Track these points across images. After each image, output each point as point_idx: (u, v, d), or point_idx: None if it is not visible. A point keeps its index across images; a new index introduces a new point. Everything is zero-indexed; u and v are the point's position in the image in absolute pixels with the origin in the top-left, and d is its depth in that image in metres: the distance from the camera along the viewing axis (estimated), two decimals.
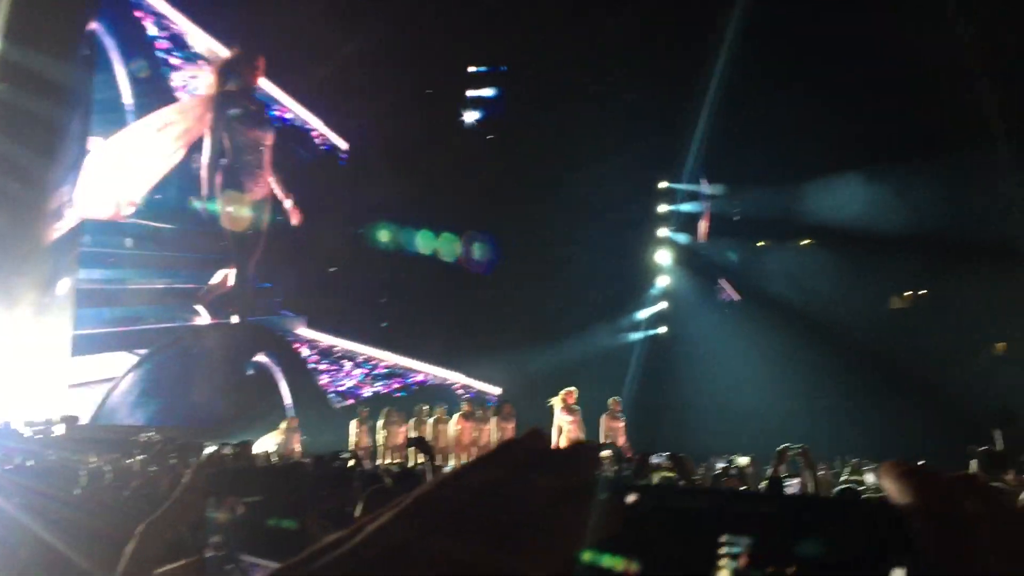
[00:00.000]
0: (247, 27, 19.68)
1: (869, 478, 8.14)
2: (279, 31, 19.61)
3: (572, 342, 21.57)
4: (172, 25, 19.67)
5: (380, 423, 16.66)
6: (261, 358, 19.78)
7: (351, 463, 7.86)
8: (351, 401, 21.00)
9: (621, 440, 15.44)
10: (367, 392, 21.57)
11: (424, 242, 22.96)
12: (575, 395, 15.71)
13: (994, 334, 23.15)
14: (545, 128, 21.42)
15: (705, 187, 23.70)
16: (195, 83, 19.90)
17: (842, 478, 7.69)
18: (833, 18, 19.78)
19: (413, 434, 16.52)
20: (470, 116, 23.58)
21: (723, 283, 24.23)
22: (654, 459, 8.31)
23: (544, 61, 20.89)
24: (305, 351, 21.13)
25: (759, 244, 25.80)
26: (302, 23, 18.83)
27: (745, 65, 20.09)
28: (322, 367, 21.35)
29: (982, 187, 20.37)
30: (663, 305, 23.94)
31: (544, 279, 22.58)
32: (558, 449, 0.64)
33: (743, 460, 7.64)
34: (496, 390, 22.22)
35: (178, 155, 19.24)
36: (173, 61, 19.79)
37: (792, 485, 4.48)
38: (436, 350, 22.36)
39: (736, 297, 24.24)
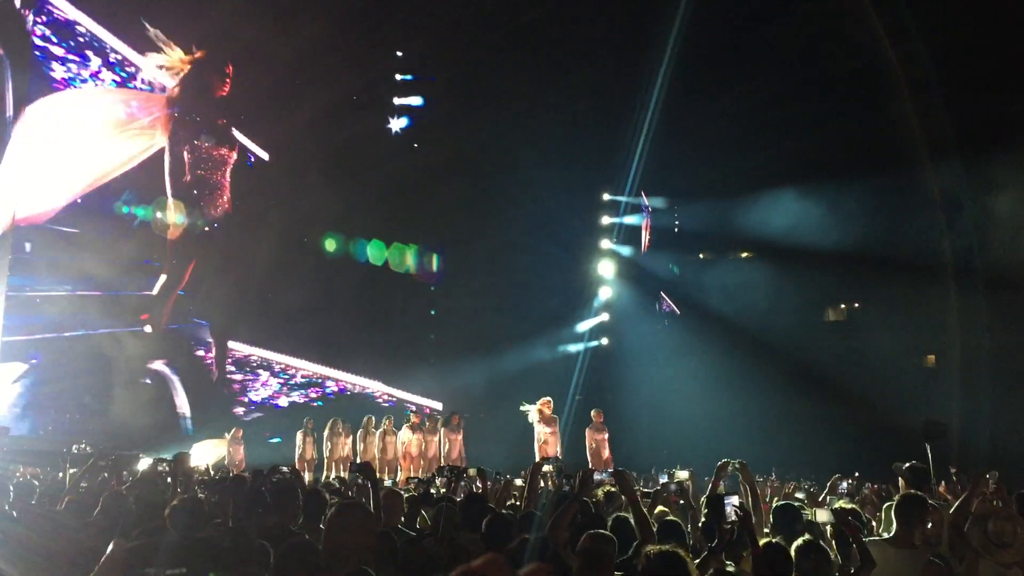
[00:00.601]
0: (171, 31, 18.85)
1: (799, 494, 8.28)
2: (202, 35, 19.01)
3: (514, 353, 21.59)
4: (56, 11, 17.85)
5: (326, 434, 16.38)
6: (160, 367, 19.04)
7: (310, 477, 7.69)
8: (258, 414, 20.48)
9: (605, 453, 15.15)
10: (282, 402, 21.13)
11: (364, 252, 22.75)
12: (551, 405, 15.40)
13: (924, 346, 23.78)
14: (489, 141, 21.44)
15: (647, 200, 23.97)
16: (155, 75, 18.93)
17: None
18: (770, 39, 20.20)
19: (360, 446, 16.30)
20: (410, 128, 23.43)
21: (664, 295, 24.50)
22: (597, 475, 8.33)
23: (488, 74, 20.92)
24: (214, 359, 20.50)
25: (699, 257, 26.18)
26: (227, 26, 18.39)
27: (686, 82, 20.40)
28: (237, 376, 20.76)
29: (913, 203, 20.94)
30: (605, 317, 24.10)
31: (486, 290, 22.60)
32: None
33: (683, 474, 7.67)
34: (434, 404, 22.12)
35: (133, 161, 18.40)
36: (55, 51, 17.89)
37: (731, 500, 4.51)
38: (371, 361, 22.15)
39: (676, 309, 24.52)
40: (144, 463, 9.27)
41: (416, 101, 23.02)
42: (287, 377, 21.53)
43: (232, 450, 16.38)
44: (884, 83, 20.66)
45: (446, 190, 22.29)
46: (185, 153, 19.24)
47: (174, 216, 19.15)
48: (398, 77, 22.98)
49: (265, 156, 21.05)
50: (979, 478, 6.17)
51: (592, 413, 15.74)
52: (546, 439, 14.92)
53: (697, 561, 4.18)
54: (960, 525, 4.77)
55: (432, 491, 8.38)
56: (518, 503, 7.49)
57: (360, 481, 8.14)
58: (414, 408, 18.53)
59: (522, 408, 15.45)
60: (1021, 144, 18.56)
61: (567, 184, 21.50)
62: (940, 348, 23.43)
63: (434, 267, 23.81)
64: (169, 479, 7.38)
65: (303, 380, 21.69)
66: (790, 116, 20.67)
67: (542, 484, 7.35)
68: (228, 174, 19.98)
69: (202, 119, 19.60)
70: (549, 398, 15.38)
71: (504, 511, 6.01)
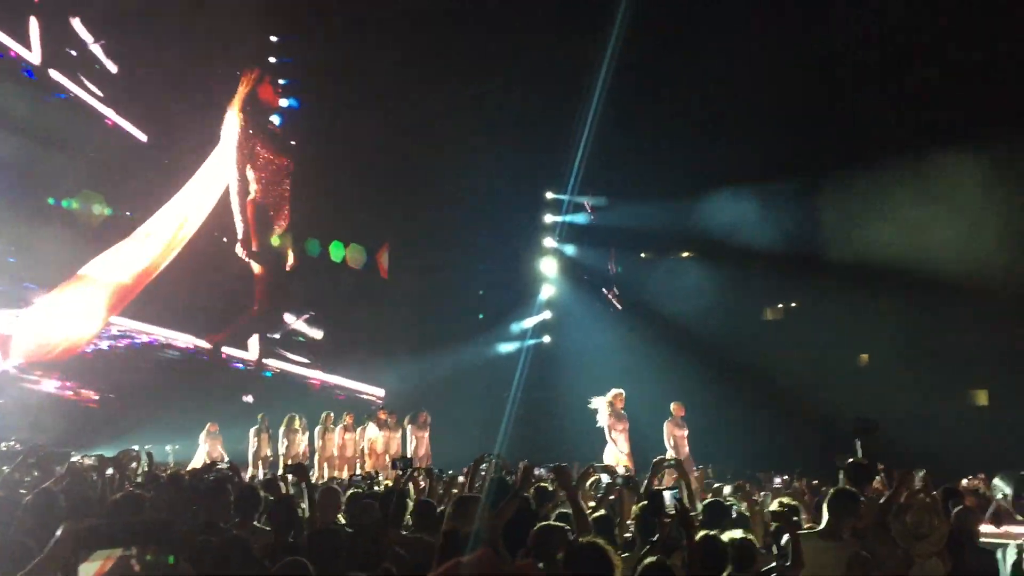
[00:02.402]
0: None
1: (726, 490, 8.48)
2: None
3: (458, 351, 21.61)
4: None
5: (281, 431, 16.06)
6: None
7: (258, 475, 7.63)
8: None
9: (685, 450, 13.70)
10: None
11: (310, 248, 22.51)
12: (623, 398, 14.20)
13: (858, 345, 24.38)
14: (433, 137, 21.41)
15: (590, 199, 24.14)
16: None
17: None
18: (715, 39, 20.47)
19: (318, 443, 16.09)
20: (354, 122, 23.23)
21: (606, 294, 24.72)
22: (538, 471, 8.41)
23: (432, 70, 20.85)
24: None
25: (641, 256, 26.45)
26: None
27: (632, 81, 20.58)
28: None
29: (847, 205, 21.43)
30: (547, 315, 24.24)
31: (430, 287, 22.57)
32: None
33: (621, 469, 7.79)
34: (376, 390, 21.93)
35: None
36: None
37: (669, 496, 4.60)
38: (324, 356, 21.98)
39: (618, 308, 24.76)
40: (80, 460, 9.14)
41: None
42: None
43: (210, 445, 15.97)
44: (824, 85, 21.13)
45: (391, 187, 22.20)
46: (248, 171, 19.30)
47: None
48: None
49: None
50: (907, 474, 6.36)
51: (672, 407, 14.39)
52: (615, 439, 13.69)
53: (626, 555, 4.26)
54: (885, 519, 4.92)
55: (378, 486, 8.37)
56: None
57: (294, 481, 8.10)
58: (381, 404, 18.20)
59: (591, 405, 14.27)
60: (951, 147, 19.18)
61: (511, 182, 21.60)
62: (872, 347, 24.06)
63: (379, 263, 23.66)
64: (95, 475, 7.30)
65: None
66: (731, 117, 21.05)
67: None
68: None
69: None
70: (621, 390, 14.23)
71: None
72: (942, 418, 19.90)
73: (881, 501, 5.31)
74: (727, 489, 9.21)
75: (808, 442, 17.12)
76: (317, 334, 21.72)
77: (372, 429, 16.39)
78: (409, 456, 14.95)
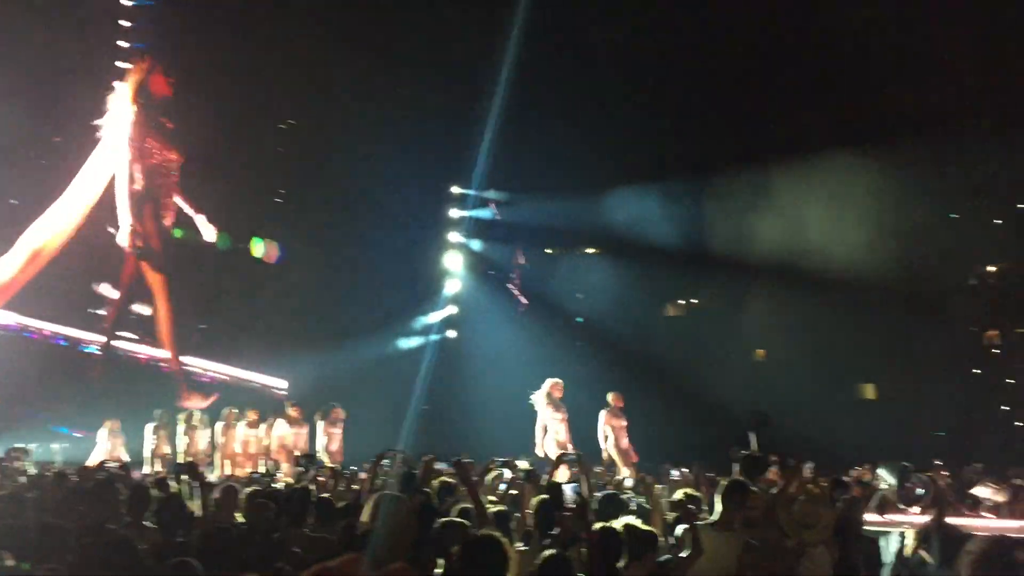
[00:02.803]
0: None
1: (628, 482, 8.65)
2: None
3: (361, 345, 21.38)
4: None
5: (180, 429, 15.49)
6: None
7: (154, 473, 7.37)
8: None
9: (624, 442, 13.49)
10: None
11: (213, 241, 21.87)
12: (561, 388, 13.90)
13: (755, 341, 25.12)
14: (336, 129, 21.09)
15: (496, 193, 24.16)
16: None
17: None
18: (620, 37, 20.77)
19: (220, 440, 15.60)
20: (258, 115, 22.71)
21: (512, 289, 24.80)
22: (440, 465, 8.40)
23: (333, 60, 20.53)
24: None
25: (547, 252, 26.65)
26: None
27: (536, 76, 20.67)
28: None
29: (746, 205, 22.03)
30: (453, 310, 24.18)
31: (333, 281, 22.25)
32: None
33: (523, 464, 7.83)
34: (281, 383, 21.48)
35: None
36: None
37: (569, 489, 4.64)
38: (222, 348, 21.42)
39: (524, 303, 24.88)
40: None
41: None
42: None
43: (112, 443, 15.28)
44: (718, 84, 21.65)
45: (302, 181, 21.83)
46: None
47: None
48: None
49: None
50: (798, 466, 6.58)
51: (610, 396, 14.02)
52: (556, 429, 13.42)
53: (525, 548, 4.29)
54: (775, 509, 5.07)
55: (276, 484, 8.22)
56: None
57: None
58: (293, 401, 17.52)
59: (531, 400, 13.97)
60: (839, 147, 19.97)
61: (416, 176, 21.41)
62: (769, 343, 24.83)
63: (280, 256, 23.16)
64: None
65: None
66: (632, 115, 21.36)
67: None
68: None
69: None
70: (559, 380, 13.96)
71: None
72: (833, 411, 20.68)
73: (772, 492, 5.48)
74: (629, 482, 9.36)
75: (706, 435, 17.52)
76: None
77: (282, 426, 15.97)
78: (316, 453, 14.69)
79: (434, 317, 23.79)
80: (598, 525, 4.45)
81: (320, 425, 16.02)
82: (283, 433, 15.84)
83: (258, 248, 22.14)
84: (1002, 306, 24.61)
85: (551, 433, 13.35)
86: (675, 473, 13.10)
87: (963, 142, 21.39)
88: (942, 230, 22.14)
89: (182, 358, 20.23)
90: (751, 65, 21.45)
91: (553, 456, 11.54)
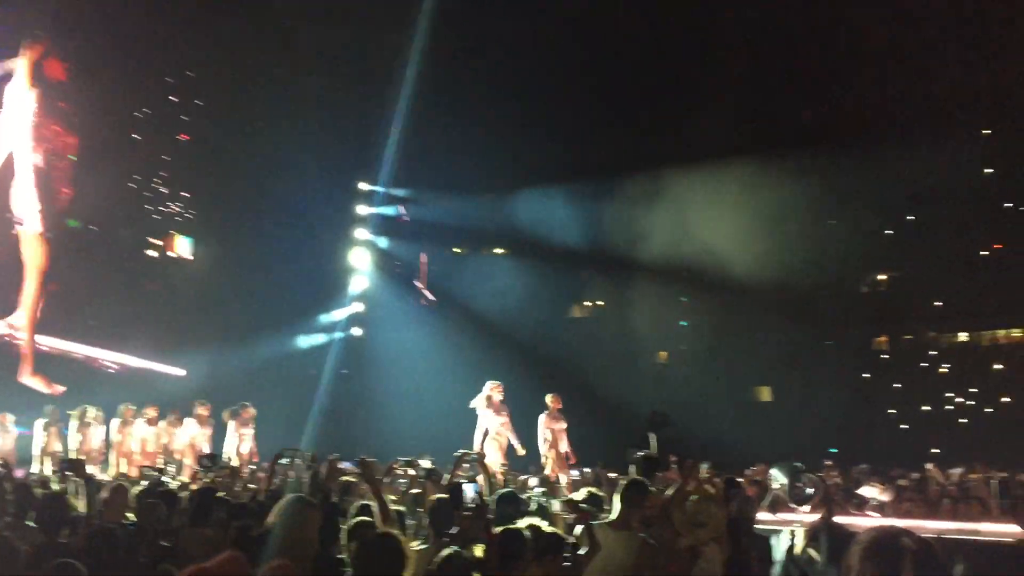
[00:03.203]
0: None
1: (532, 481, 8.72)
2: None
3: (264, 341, 20.93)
4: None
5: (74, 425, 14.76)
6: None
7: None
8: None
9: (564, 446, 12.94)
10: None
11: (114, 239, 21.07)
12: (502, 389, 13.30)
13: (657, 344, 25.63)
14: (240, 122, 20.62)
15: (404, 191, 23.97)
16: None
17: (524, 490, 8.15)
18: (528, 40, 20.88)
19: (116, 438, 14.94)
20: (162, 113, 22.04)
21: (419, 287, 24.66)
22: (343, 464, 8.30)
23: (240, 57, 20.09)
24: None
25: (454, 251, 26.62)
26: None
27: (447, 75, 20.66)
28: None
29: (653, 211, 22.44)
30: (359, 307, 23.87)
31: (235, 275, 21.70)
32: None
33: (426, 463, 7.81)
34: (179, 371, 20.79)
35: None
36: None
37: (469, 488, 4.64)
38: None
39: (431, 301, 24.77)
40: None
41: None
42: None
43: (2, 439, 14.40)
44: (632, 90, 22.03)
45: (207, 177, 21.24)
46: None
47: None
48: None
49: None
50: (694, 466, 6.71)
51: (548, 399, 13.43)
52: (498, 432, 12.85)
53: (424, 547, 4.27)
54: (670, 508, 5.18)
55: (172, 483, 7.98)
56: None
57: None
58: (202, 400, 16.70)
59: (472, 404, 13.29)
60: (741, 157, 20.57)
61: (322, 172, 21.05)
62: (671, 346, 25.38)
63: (184, 252, 22.48)
64: None
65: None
66: (542, 117, 21.52)
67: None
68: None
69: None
70: (499, 382, 13.35)
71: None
72: (730, 413, 21.25)
73: (669, 492, 5.58)
74: (533, 481, 9.42)
75: (609, 436, 17.77)
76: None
77: (192, 426, 15.38)
78: (220, 454, 14.16)
79: (339, 314, 23.43)
80: (500, 528, 4.47)
81: (231, 425, 15.46)
82: (195, 433, 15.26)
83: (158, 240, 21.52)
84: (890, 313, 25.78)
85: (492, 436, 12.87)
86: (575, 473, 13.20)
87: (858, 154, 22.30)
88: (836, 239, 23.03)
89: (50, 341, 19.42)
90: (657, 72, 21.91)
91: (494, 460, 11.46)
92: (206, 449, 14.77)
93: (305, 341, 22.84)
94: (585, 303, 27.68)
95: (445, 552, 4.14)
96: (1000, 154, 25.06)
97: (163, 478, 9.64)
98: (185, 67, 20.58)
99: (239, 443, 15.18)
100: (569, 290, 25.83)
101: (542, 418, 13.00)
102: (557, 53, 20.82)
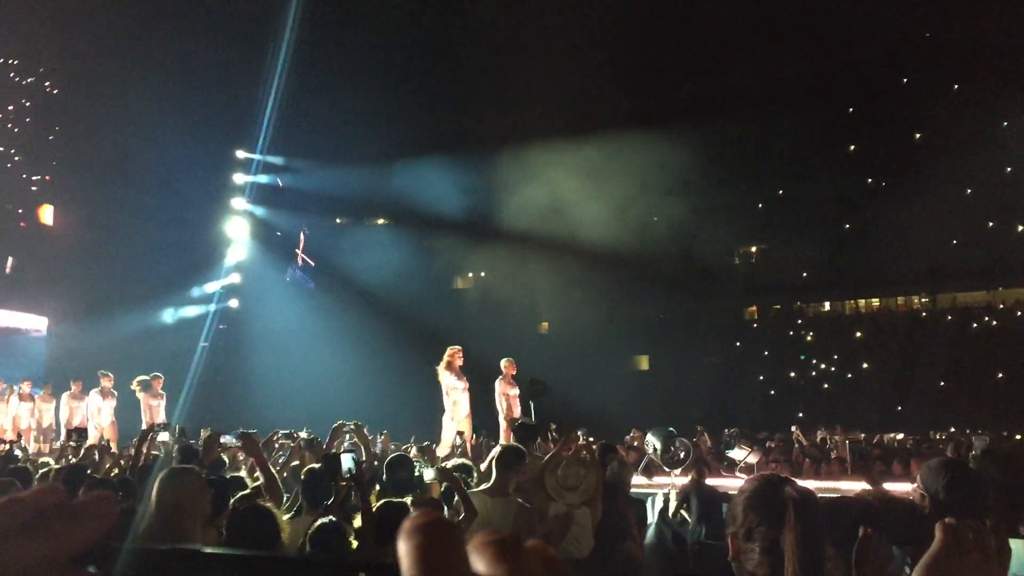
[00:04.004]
0: None
1: (412, 451, 8.73)
2: None
3: (136, 314, 20.11)
4: None
5: None
6: None
7: None
8: None
9: (517, 412, 12.14)
10: None
11: None
12: (460, 355, 12.35)
13: (540, 315, 25.94)
14: (106, 90, 19.60)
15: (284, 160, 23.31)
16: None
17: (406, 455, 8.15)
18: (413, 12, 20.64)
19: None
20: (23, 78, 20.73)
21: (299, 258, 24.14)
22: (225, 438, 8.09)
23: (105, 18, 19.09)
24: None
25: (336, 221, 26.18)
26: None
27: (330, 44, 20.18)
28: None
29: (533, 182, 22.61)
30: (235, 278, 23.14)
31: (103, 247, 20.73)
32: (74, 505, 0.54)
33: (304, 434, 7.69)
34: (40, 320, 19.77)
35: None
36: None
37: (346, 458, 4.59)
38: None
39: (310, 273, 24.31)
40: None
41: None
42: None
43: None
44: (507, 65, 22.02)
45: (70, 142, 20.14)
46: None
47: None
48: None
49: None
50: (571, 432, 6.83)
51: (503, 363, 12.59)
52: (457, 399, 12.01)
53: (290, 517, 4.22)
54: (544, 473, 5.26)
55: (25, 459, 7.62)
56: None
57: None
58: (105, 372, 15.60)
59: (438, 373, 12.26)
60: (621, 133, 20.94)
61: (195, 140, 20.17)
62: (553, 316, 25.71)
63: (47, 220, 21.29)
64: None
65: None
66: (425, 88, 21.34)
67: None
68: None
69: None
70: (458, 347, 12.33)
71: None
72: (610, 381, 21.72)
73: (546, 458, 5.67)
74: (412, 451, 9.40)
75: (490, 404, 17.90)
76: None
77: (95, 398, 14.46)
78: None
79: (214, 286, 22.64)
80: (383, 501, 4.45)
81: (141, 398, 14.60)
82: (99, 406, 14.41)
83: (19, 208, 20.38)
84: (760, 284, 26.85)
85: (449, 403, 12.13)
86: (459, 440, 13.25)
87: (731, 130, 23.02)
88: (710, 212, 23.77)
89: None
90: (537, 45, 21.96)
91: (451, 428, 10.88)
92: (106, 421, 14.09)
93: (178, 313, 22.05)
94: (468, 274, 27.71)
95: (320, 521, 4.09)
96: (863, 132, 26.34)
97: (15, 452, 9.16)
98: (49, 28, 19.45)
99: (150, 418, 14.29)
100: (451, 262, 25.82)
101: (498, 384, 12.32)
102: (437, 24, 20.65)
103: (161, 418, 14.01)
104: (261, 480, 5.09)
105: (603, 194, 21.56)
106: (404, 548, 0.45)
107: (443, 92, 21.39)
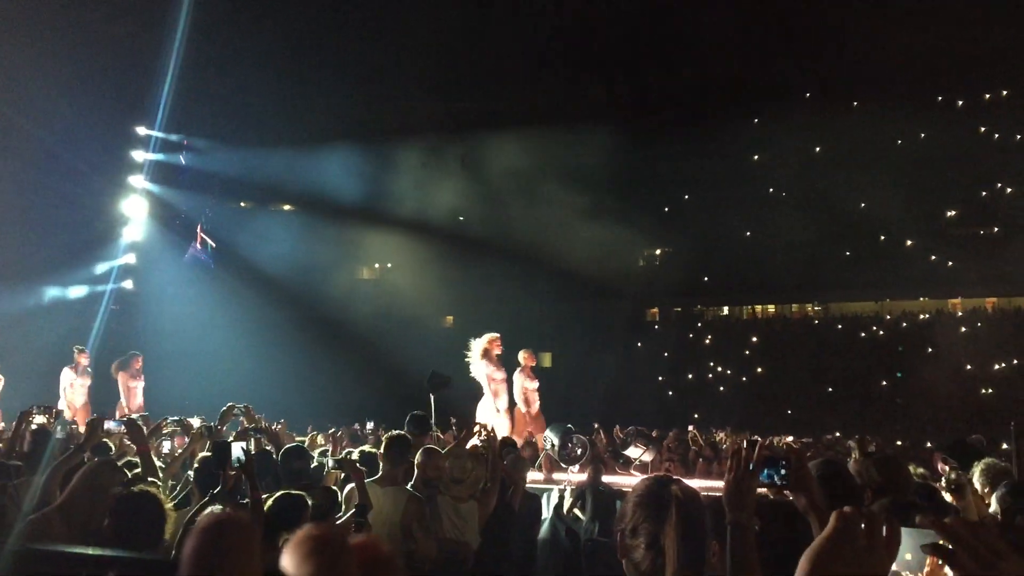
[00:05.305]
0: None
1: (320, 439, 8.65)
2: None
3: (20, 293, 19.21)
4: None
5: None
6: None
7: None
8: None
9: (535, 408, 11.57)
10: None
11: None
12: (499, 343, 11.46)
13: (445, 308, 25.87)
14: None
15: (188, 139, 22.57)
16: None
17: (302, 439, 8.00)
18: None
19: None
20: None
21: (198, 240, 23.48)
22: (109, 424, 7.81)
23: None
24: None
25: (240, 205, 25.57)
26: None
27: (236, 19, 19.68)
28: None
29: (444, 175, 22.59)
30: (130, 258, 22.27)
31: None
32: None
33: (195, 421, 7.49)
34: None
35: None
36: None
37: (236, 447, 4.48)
38: None
39: (211, 255, 23.70)
40: None
41: None
42: None
43: None
44: (424, 54, 21.92)
45: None
46: None
47: None
48: None
49: None
50: (471, 425, 6.85)
51: (521, 355, 11.72)
52: (496, 390, 11.10)
53: (175, 504, 4.12)
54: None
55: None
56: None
57: None
58: (80, 347, 14.42)
59: (468, 357, 11.43)
60: (539, 131, 21.07)
61: (89, 114, 19.27)
62: (457, 310, 25.68)
63: None
64: None
65: None
66: (335, 76, 21.02)
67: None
68: None
69: None
70: (496, 334, 11.52)
71: None
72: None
73: (446, 450, 5.67)
74: (320, 439, 9.26)
75: (392, 396, 17.79)
76: None
77: (67, 375, 13.42)
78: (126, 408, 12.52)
79: (106, 266, 21.73)
80: (282, 492, 4.38)
81: (120, 377, 13.64)
82: (71, 381, 13.40)
83: None
84: (662, 286, 27.44)
85: (490, 392, 11.32)
86: (369, 425, 13.17)
87: (640, 133, 23.41)
88: (617, 214, 24.13)
89: None
90: (455, 35, 21.91)
91: (488, 421, 10.00)
92: (79, 401, 13.21)
93: (67, 293, 21.14)
94: (374, 265, 27.46)
95: (207, 510, 4.00)
96: (767, 142, 27.17)
97: None
98: None
99: (129, 397, 13.43)
100: (357, 252, 25.55)
101: (517, 376, 11.51)
102: (349, 4, 20.36)
103: (139, 400, 13.16)
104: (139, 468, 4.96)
105: (511, 191, 21.67)
106: (187, 548, 0.43)
107: (353, 78, 21.11)
